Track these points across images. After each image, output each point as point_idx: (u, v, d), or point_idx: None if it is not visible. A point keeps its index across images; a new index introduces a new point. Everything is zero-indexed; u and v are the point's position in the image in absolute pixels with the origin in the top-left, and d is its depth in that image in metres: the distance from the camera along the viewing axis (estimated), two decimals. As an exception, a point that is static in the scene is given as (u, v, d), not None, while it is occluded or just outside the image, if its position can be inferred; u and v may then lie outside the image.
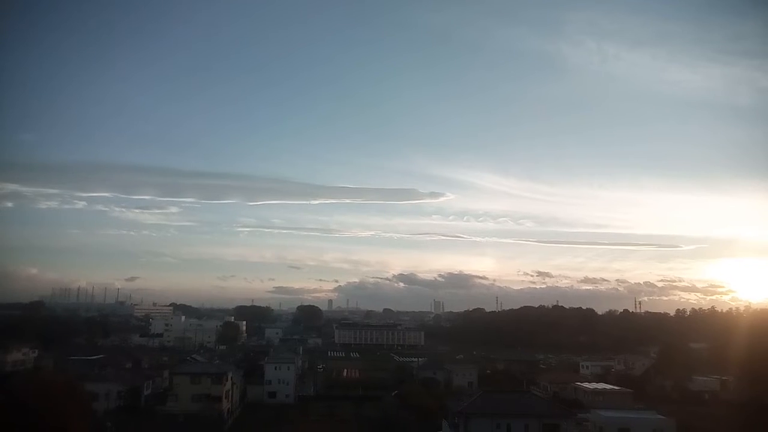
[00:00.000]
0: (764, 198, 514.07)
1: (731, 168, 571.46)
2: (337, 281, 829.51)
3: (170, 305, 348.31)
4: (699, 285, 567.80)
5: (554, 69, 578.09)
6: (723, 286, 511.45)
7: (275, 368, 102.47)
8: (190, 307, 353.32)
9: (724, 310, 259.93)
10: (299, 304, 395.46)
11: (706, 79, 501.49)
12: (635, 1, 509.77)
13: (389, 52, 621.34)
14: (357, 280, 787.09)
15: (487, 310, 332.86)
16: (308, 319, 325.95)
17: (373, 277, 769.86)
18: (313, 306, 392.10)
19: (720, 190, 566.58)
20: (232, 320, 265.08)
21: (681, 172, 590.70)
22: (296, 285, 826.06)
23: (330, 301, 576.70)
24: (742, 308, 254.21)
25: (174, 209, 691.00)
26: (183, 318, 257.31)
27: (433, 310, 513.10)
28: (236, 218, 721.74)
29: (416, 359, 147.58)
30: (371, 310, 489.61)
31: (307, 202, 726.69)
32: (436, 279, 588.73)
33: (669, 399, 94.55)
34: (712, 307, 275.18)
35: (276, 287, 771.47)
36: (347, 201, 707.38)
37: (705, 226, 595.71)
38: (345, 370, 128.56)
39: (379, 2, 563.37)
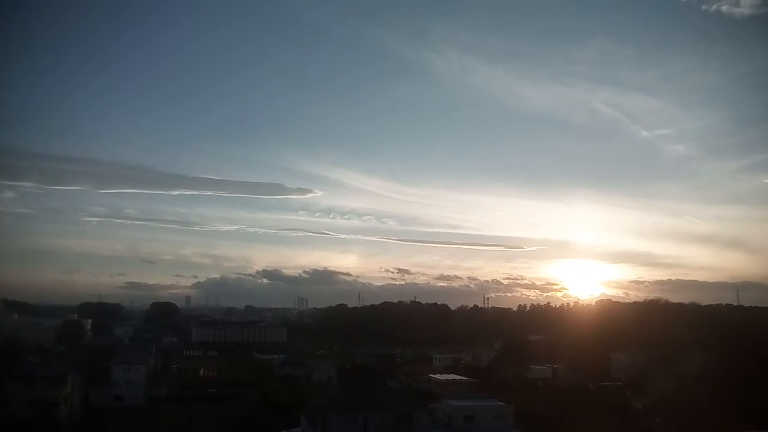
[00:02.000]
0: (591, 206, 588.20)
1: (566, 179, 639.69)
2: (196, 277, 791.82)
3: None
4: (538, 283, 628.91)
5: (419, 75, 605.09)
6: (557, 284, 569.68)
7: (124, 369, 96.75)
8: (26, 303, 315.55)
9: (558, 306, 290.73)
10: (153, 301, 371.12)
11: (548, 97, 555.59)
12: (492, 20, 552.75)
13: (259, 42, 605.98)
14: (218, 275, 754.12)
15: (350, 305, 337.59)
16: (163, 316, 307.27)
17: (235, 273, 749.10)
18: (169, 303, 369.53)
19: (557, 198, 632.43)
20: (76, 318, 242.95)
21: (525, 180, 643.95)
22: (150, 280, 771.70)
23: (188, 298, 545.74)
24: (572, 304, 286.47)
25: (10, 194, 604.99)
26: (16, 316, 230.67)
27: (296, 307, 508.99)
28: (84, 207, 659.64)
29: (277, 356, 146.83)
30: (232, 307, 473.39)
31: (165, 193, 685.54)
32: (300, 275, 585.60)
33: (509, 387, 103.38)
34: (548, 303, 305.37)
35: (127, 283, 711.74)
36: (209, 193, 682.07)
37: (544, 229, 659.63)
38: (202, 369, 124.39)
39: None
